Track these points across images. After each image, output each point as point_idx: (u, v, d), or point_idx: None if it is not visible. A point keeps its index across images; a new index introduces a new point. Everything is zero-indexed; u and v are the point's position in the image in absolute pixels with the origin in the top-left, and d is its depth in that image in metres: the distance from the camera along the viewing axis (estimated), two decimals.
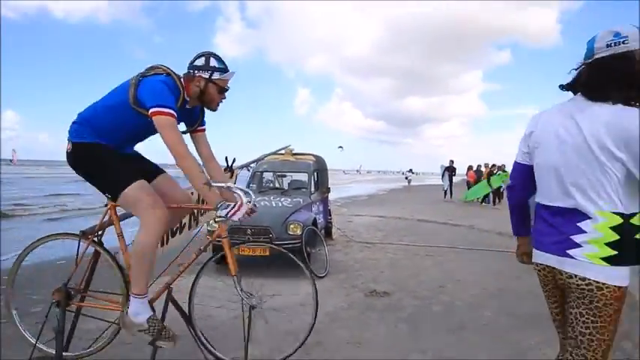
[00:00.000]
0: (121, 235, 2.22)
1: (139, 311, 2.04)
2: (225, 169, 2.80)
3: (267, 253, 4.91)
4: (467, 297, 4.23)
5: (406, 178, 31.93)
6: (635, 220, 1.39)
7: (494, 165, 16.17)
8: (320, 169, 6.92)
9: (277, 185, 7.06)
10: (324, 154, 7.61)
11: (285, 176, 7.33)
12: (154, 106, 1.92)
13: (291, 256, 2.40)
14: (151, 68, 2.10)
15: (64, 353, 2.16)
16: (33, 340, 2.22)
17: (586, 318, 1.43)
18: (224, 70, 2.13)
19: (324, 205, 6.93)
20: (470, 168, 18.25)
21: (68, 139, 2.09)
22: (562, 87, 1.60)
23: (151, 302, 2.15)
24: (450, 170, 18.04)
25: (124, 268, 2.19)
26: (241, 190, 2.03)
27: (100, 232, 2.28)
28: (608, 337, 1.43)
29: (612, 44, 1.42)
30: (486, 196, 15.98)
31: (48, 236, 2.33)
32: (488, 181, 15.37)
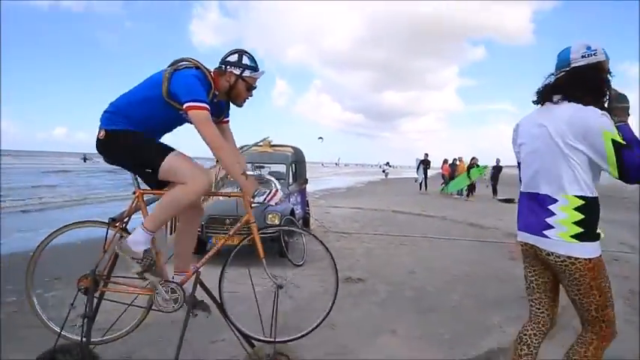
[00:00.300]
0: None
1: (140, 241, 2.10)
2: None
3: (246, 243, 5.00)
4: (437, 282, 4.45)
5: (383, 171, 32.38)
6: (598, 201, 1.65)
7: (474, 158, 16.54)
8: (298, 161, 7.01)
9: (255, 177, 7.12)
10: (303, 146, 7.70)
11: (263, 167, 7.38)
12: (189, 101, 1.97)
13: (305, 230, 2.49)
14: (180, 60, 2.14)
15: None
16: (57, 329, 2.20)
17: (570, 288, 1.69)
18: (255, 68, 2.19)
19: (302, 197, 7.04)
20: (445, 162, 18.72)
21: (100, 127, 2.11)
22: (535, 102, 1.84)
23: (181, 284, 2.21)
24: (425, 163, 18.48)
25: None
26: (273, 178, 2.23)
27: (126, 220, 2.28)
28: (596, 300, 1.65)
29: (586, 55, 1.68)
30: (469, 187, 16.30)
31: (74, 223, 2.32)
32: (468, 173, 15.74)
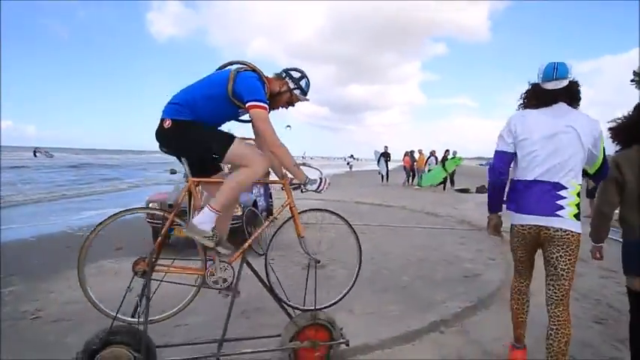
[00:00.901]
0: (200, 208, 2.38)
1: (206, 221, 2.28)
2: None
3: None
4: (391, 266, 4.77)
5: (348, 163, 32.92)
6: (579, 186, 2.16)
7: (447, 150, 16.71)
8: None
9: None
10: None
11: None
12: (252, 100, 2.16)
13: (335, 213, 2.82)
14: (235, 62, 2.35)
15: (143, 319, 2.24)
16: (111, 312, 2.27)
17: (565, 258, 2.10)
18: (305, 93, 2.45)
19: (264, 189, 7.17)
20: (406, 154, 19.33)
21: (165, 117, 2.21)
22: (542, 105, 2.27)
23: (229, 262, 2.39)
24: (385, 156, 18.97)
25: None
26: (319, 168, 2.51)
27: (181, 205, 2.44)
28: (573, 270, 2.13)
29: (571, 73, 2.19)
30: (444, 180, 16.15)
31: (130, 209, 2.51)
32: (443, 165, 15.87)
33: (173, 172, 6.80)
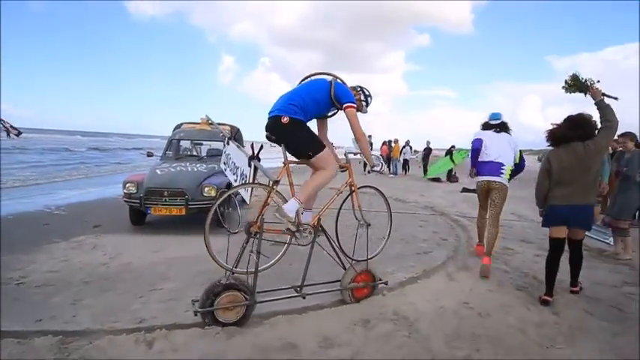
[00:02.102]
0: (292, 185, 3.07)
1: (292, 209, 2.91)
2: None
3: (184, 213, 5.41)
4: (352, 243, 5.21)
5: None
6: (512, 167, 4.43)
7: (453, 146, 17.04)
8: (236, 138, 7.40)
9: (195, 153, 7.42)
10: (250, 126, 8.08)
11: (201, 144, 7.69)
12: (348, 102, 2.93)
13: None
14: (325, 74, 3.09)
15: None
16: (228, 266, 2.90)
17: (499, 197, 4.33)
18: (367, 105, 3.22)
19: None
20: (384, 143, 19.82)
21: (284, 115, 2.82)
22: (484, 126, 4.67)
23: (309, 224, 3.13)
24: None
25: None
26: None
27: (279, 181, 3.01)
28: (502, 203, 4.34)
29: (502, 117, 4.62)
30: (450, 171, 16.11)
31: (242, 185, 3.10)
32: (451, 157, 15.91)
33: (150, 154, 7.03)
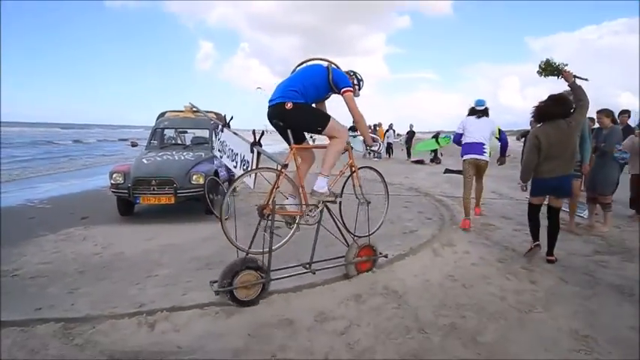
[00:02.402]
0: (299, 168, 3.25)
1: (323, 185, 3.19)
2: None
3: (173, 201, 5.44)
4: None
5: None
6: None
7: (439, 132, 17.46)
8: (228, 126, 7.39)
9: (179, 141, 7.38)
10: (231, 113, 8.02)
11: (186, 132, 7.64)
12: (345, 87, 3.12)
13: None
14: (321, 59, 3.26)
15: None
16: (244, 247, 3.04)
17: (483, 170, 5.42)
18: (359, 89, 3.37)
19: None
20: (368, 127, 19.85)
21: (287, 101, 2.99)
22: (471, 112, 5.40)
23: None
24: (356, 130, 19.25)
25: (301, 187, 3.27)
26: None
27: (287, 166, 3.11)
28: (483, 175, 5.58)
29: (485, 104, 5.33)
30: (434, 152, 16.81)
31: (258, 169, 3.11)
32: (437, 140, 16.29)
33: (134, 144, 6.98)
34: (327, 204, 3.33)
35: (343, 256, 3.58)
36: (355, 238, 3.62)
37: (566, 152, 3.72)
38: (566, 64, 3.77)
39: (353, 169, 3.56)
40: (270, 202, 3.06)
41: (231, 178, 7.89)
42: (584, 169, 4.85)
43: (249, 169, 3.11)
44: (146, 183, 5.40)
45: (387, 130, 18.36)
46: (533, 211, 4.05)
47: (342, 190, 3.64)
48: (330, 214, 3.44)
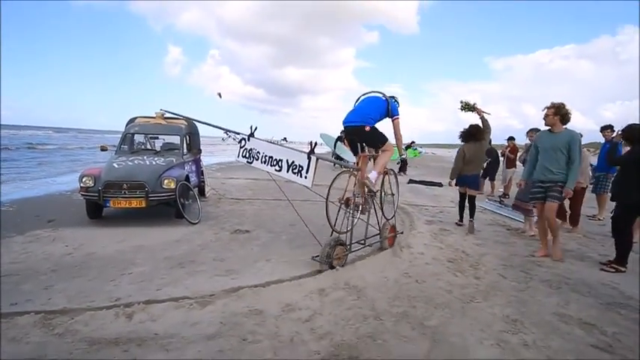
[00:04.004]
0: (363, 171, 4.37)
1: (374, 176, 4.28)
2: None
3: (144, 205, 5.54)
4: (311, 230, 5.66)
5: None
6: None
7: (413, 142, 18.11)
8: (191, 133, 7.54)
9: (149, 147, 7.44)
10: (205, 119, 8.12)
11: (157, 138, 7.72)
12: (396, 116, 4.39)
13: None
14: (379, 92, 4.42)
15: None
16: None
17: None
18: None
19: (196, 166, 7.64)
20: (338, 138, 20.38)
21: (366, 125, 4.13)
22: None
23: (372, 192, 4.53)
24: (342, 140, 19.52)
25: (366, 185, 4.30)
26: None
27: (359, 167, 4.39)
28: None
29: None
30: (403, 162, 17.33)
31: (343, 171, 4.48)
32: (407, 149, 16.92)
33: (104, 149, 6.98)
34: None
35: (379, 234, 4.76)
36: (386, 220, 4.81)
37: (477, 159, 5.99)
38: (475, 103, 5.79)
39: (385, 170, 4.71)
40: (354, 197, 4.27)
41: (201, 184, 8.03)
42: (566, 193, 4.39)
43: (304, 172, 3.77)
44: (117, 187, 5.48)
45: (409, 146, 19.23)
46: (461, 197, 6.20)
47: (382, 186, 4.87)
48: (374, 201, 4.64)
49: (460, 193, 6.26)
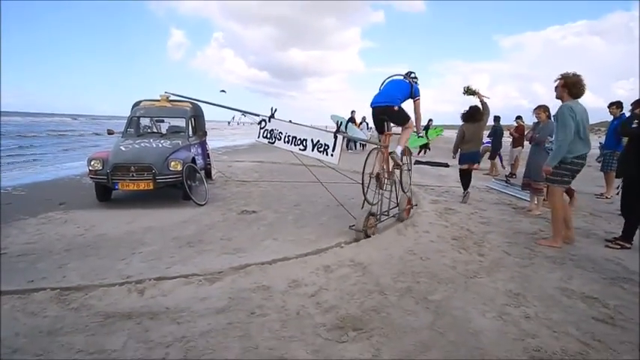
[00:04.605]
0: (387, 147, 4.69)
1: (399, 152, 4.70)
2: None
3: (152, 187, 5.63)
4: (314, 210, 5.74)
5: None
6: None
7: (430, 120, 17.15)
8: (197, 115, 7.56)
9: (155, 130, 7.49)
10: (206, 105, 8.13)
11: (163, 121, 7.75)
12: (417, 97, 4.72)
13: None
14: (406, 75, 4.77)
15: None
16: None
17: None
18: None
19: (202, 148, 7.69)
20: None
21: (395, 105, 4.45)
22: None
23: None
24: (353, 121, 18.64)
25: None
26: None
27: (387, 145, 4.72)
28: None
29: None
30: (423, 147, 16.22)
31: (373, 149, 4.67)
32: (426, 133, 15.91)
33: (110, 132, 7.04)
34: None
35: (397, 206, 5.16)
36: (403, 193, 5.19)
37: (477, 138, 6.54)
38: (476, 88, 6.35)
39: (405, 150, 5.05)
40: (384, 172, 4.68)
41: (207, 167, 8.10)
42: (544, 170, 4.17)
43: (330, 150, 4.24)
44: (125, 169, 5.56)
45: (361, 123, 18.74)
46: (463, 174, 6.72)
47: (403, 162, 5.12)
48: (395, 181, 5.05)
49: (461, 169, 6.73)
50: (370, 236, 4.23)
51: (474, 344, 2.30)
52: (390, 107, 4.45)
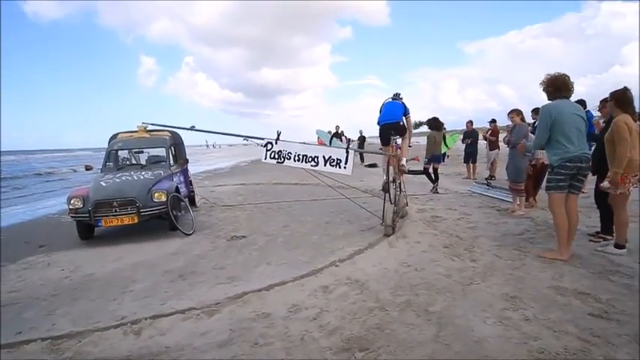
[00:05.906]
0: (394, 156, 5.48)
1: (404, 161, 5.56)
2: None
3: (136, 221, 5.50)
4: (303, 230, 5.72)
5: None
6: None
7: (445, 129, 16.98)
8: (176, 143, 7.49)
9: (134, 161, 7.36)
10: (181, 131, 8.04)
11: (142, 152, 7.63)
12: (408, 114, 5.62)
13: None
14: (396, 98, 5.73)
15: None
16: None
17: None
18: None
19: (184, 176, 7.59)
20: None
21: (400, 121, 5.49)
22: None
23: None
24: (337, 136, 18.62)
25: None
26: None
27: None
28: None
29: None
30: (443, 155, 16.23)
31: (388, 157, 5.43)
32: (444, 141, 15.65)
33: (89, 168, 6.90)
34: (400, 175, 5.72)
35: (395, 205, 5.51)
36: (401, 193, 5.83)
37: (440, 143, 8.87)
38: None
39: (402, 173, 5.79)
40: (388, 179, 5.44)
41: (191, 194, 7.98)
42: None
43: (343, 164, 5.18)
44: (107, 205, 5.42)
45: (341, 136, 18.91)
46: (428, 172, 8.78)
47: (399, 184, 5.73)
48: (390, 194, 5.44)
49: (430, 168, 8.85)
50: (396, 231, 5.05)
51: (480, 352, 2.32)
52: (397, 123, 5.46)
